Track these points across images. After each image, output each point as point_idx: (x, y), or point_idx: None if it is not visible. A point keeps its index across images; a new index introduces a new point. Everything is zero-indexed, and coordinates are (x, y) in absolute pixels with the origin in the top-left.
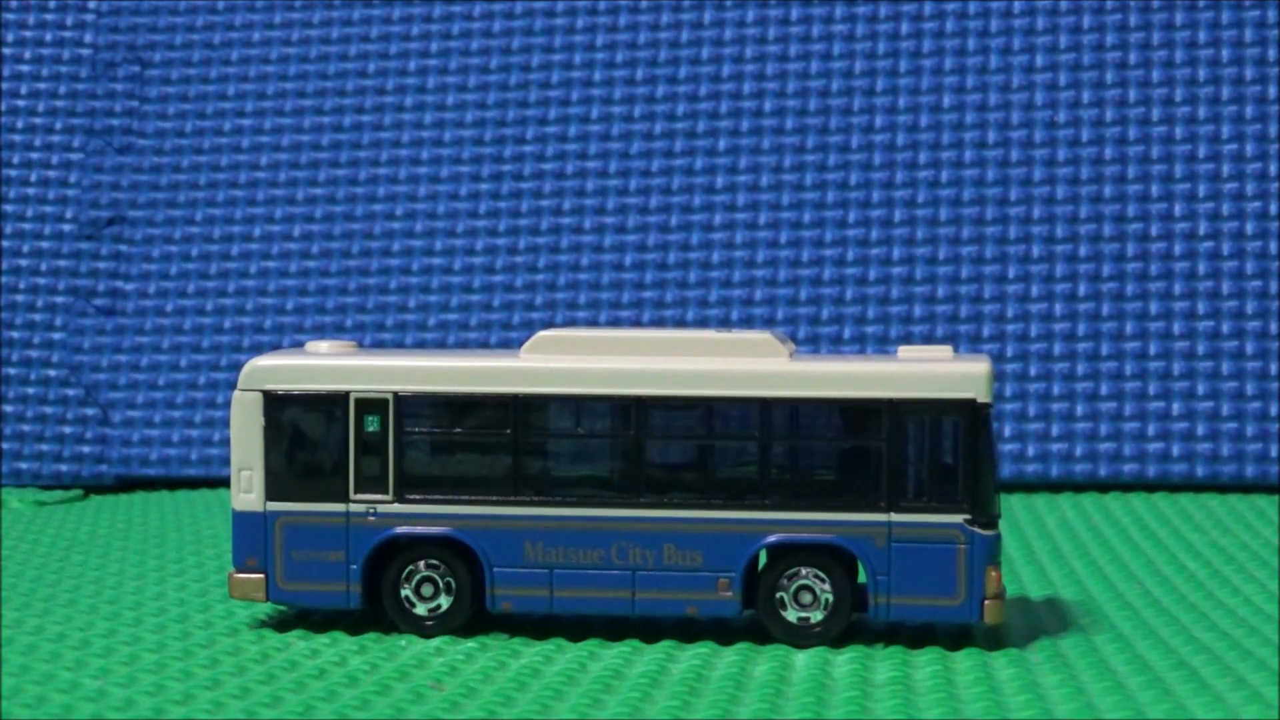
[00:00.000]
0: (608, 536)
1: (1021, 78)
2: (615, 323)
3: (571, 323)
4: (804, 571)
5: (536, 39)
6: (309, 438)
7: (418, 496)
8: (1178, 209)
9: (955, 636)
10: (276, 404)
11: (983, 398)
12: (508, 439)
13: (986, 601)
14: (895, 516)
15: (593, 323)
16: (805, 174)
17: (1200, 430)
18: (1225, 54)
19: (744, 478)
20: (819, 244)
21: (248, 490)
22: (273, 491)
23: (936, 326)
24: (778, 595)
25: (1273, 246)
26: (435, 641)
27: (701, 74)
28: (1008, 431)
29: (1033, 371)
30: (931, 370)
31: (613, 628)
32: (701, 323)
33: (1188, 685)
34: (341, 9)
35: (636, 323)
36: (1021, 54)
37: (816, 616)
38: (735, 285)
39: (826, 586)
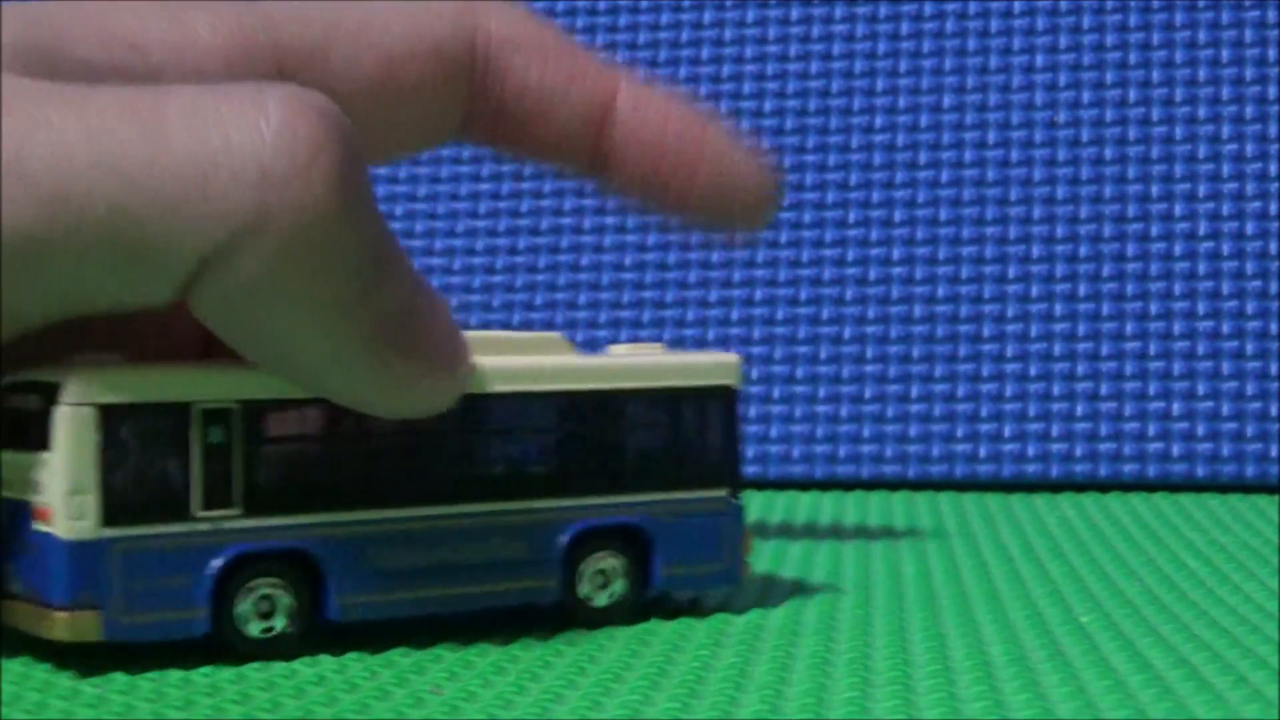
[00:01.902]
0: (439, 535)
1: (1021, 78)
2: (615, 323)
3: (572, 323)
4: (603, 554)
5: None
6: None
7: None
8: (1178, 209)
9: (955, 634)
10: (113, 419)
11: (736, 384)
12: (340, 444)
13: (743, 561)
14: (677, 494)
15: (593, 323)
16: (805, 174)
17: (1200, 430)
18: (1225, 54)
19: (553, 468)
20: (818, 244)
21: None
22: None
23: (937, 326)
24: (578, 579)
25: (1273, 246)
26: (435, 646)
27: (702, 74)
28: (1007, 431)
29: (1033, 371)
30: (699, 361)
31: (611, 629)
32: (702, 322)
33: (1188, 684)
34: None
35: (637, 322)
36: (1021, 54)
37: (617, 589)
38: (735, 285)
39: (619, 566)
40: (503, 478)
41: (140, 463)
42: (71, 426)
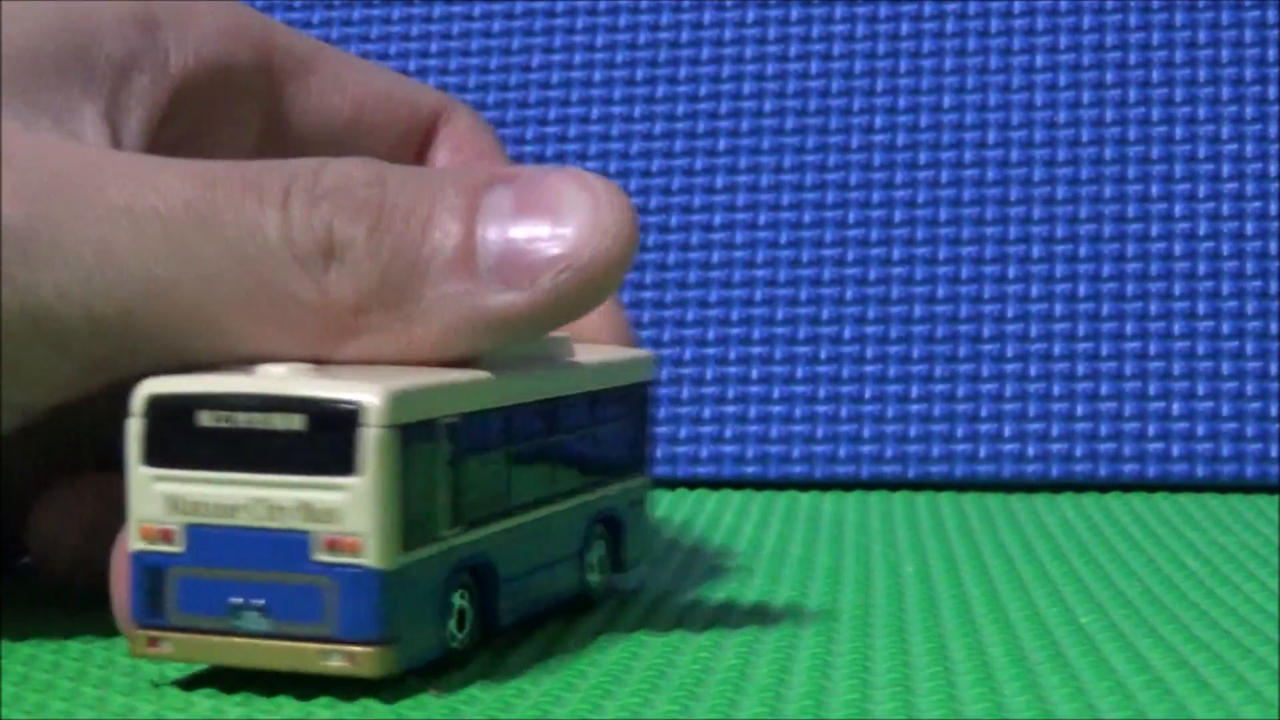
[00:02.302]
0: (541, 534)
1: (1021, 78)
2: None
3: None
4: (595, 542)
5: (536, 39)
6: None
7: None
8: (1178, 209)
9: (955, 635)
10: (406, 440)
11: (655, 378)
12: (509, 450)
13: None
14: (627, 483)
15: None
16: (805, 174)
17: (1200, 430)
18: (1225, 54)
19: (585, 462)
20: (819, 244)
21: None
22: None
23: (937, 326)
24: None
25: (1273, 246)
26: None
27: (701, 74)
28: (1007, 431)
29: (1033, 371)
30: (631, 356)
31: (610, 631)
32: (702, 322)
33: (1188, 685)
34: (342, 9)
35: (637, 323)
36: (1021, 54)
37: (600, 575)
38: (735, 285)
39: (603, 552)
40: (567, 474)
41: (417, 485)
42: (380, 451)
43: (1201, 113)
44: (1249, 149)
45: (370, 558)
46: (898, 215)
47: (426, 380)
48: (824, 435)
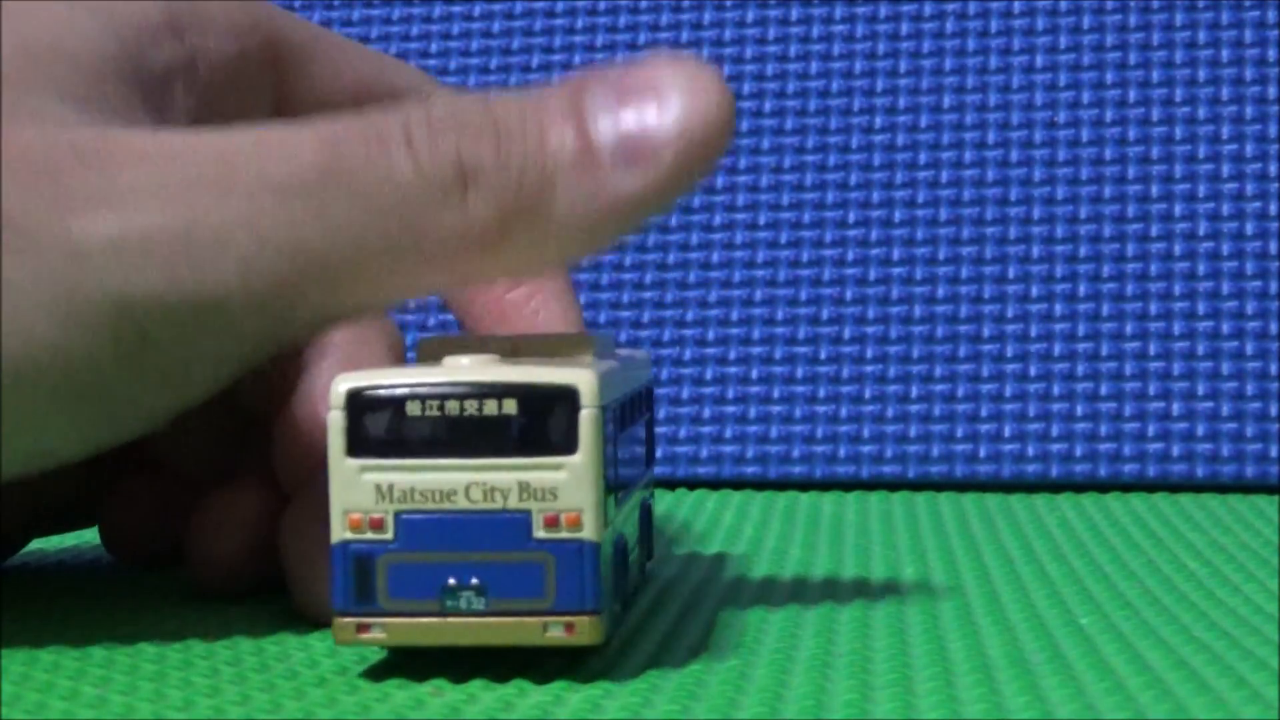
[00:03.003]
0: (638, 518)
1: (1021, 78)
2: (615, 323)
3: None
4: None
5: (536, 39)
6: None
7: None
8: (1178, 209)
9: (954, 635)
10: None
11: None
12: (621, 434)
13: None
14: (650, 476)
15: (593, 323)
16: (805, 174)
17: (1200, 430)
18: (1225, 54)
19: (639, 454)
20: (819, 244)
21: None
22: None
23: (937, 326)
24: None
25: (1273, 246)
26: (435, 649)
27: None
28: (1007, 431)
29: (1033, 371)
30: (644, 355)
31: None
32: (702, 323)
33: (1188, 685)
34: (341, 9)
35: (637, 323)
36: (1021, 54)
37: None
38: (735, 285)
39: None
40: (636, 464)
41: (604, 463)
42: (592, 430)
43: (1201, 113)
44: (1249, 149)
45: (588, 532)
46: (898, 215)
47: (599, 368)
48: (824, 435)
